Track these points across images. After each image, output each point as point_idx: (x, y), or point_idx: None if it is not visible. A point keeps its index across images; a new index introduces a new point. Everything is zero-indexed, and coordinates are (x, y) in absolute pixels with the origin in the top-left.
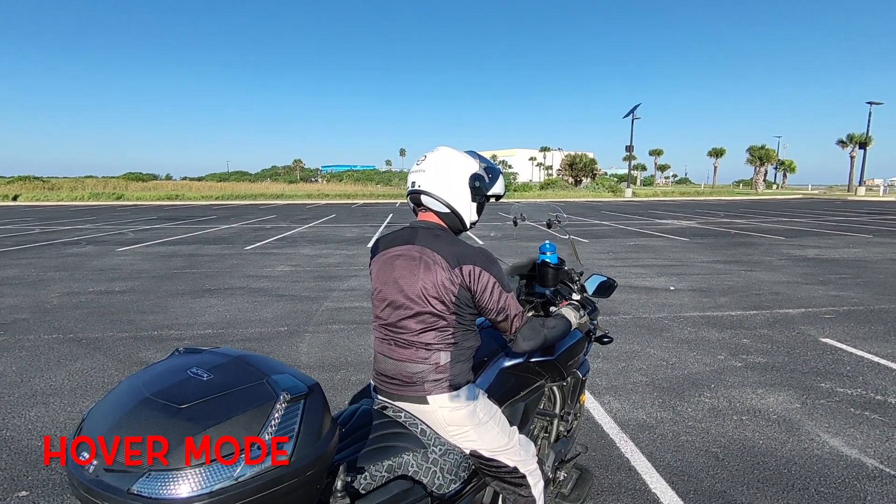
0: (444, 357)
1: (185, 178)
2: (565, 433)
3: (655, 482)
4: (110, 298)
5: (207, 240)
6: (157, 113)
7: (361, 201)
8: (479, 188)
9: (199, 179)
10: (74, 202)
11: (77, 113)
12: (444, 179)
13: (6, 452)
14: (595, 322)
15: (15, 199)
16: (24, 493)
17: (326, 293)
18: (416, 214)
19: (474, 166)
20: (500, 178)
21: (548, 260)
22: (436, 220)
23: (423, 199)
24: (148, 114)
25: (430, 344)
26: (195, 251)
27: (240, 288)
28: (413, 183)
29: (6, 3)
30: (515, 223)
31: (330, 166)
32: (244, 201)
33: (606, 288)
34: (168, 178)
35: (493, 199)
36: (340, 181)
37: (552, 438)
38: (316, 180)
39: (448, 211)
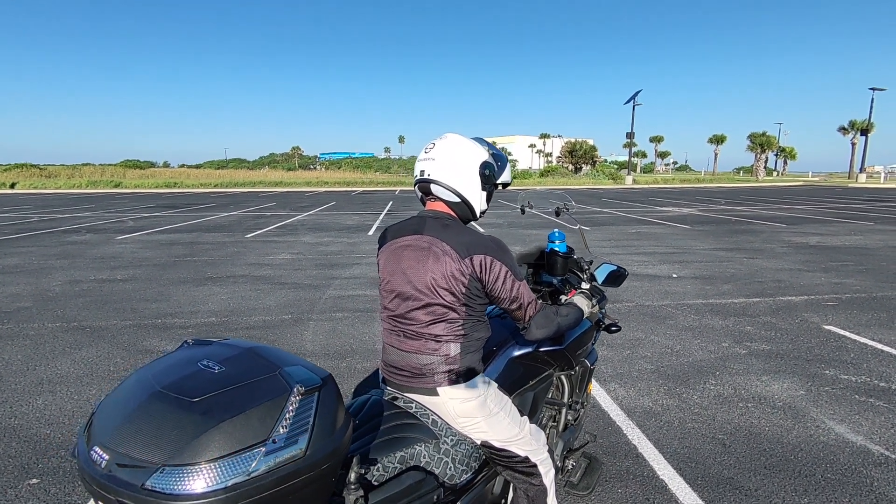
0: (453, 348)
1: (182, 166)
2: (573, 422)
3: (663, 469)
4: (112, 287)
5: (207, 228)
6: (155, 100)
7: (361, 189)
8: (489, 176)
9: (197, 167)
10: (72, 190)
11: (73, 100)
12: (454, 168)
13: (16, 440)
14: (603, 311)
15: (12, 186)
16: (35, 480)
17: (329, 281)
18: (424, 203)
19: (484, 154)
20: (508, 165)
21: (556, 248)
22: (445, 209)
23: (433, 188)
24: (145, 101)
25: (439, 335)
26: (195, 239)
27: (242, 276)
28: (422, 171)
29: None
30: (523, 211)
31: (328, 153)
32: (243, 189)
33: (617, 277)
34: (166, 165)
35: (500, 187)
36: (339, 168)
37: (560, 427)
38: (315, 168)
39: (458, 200)
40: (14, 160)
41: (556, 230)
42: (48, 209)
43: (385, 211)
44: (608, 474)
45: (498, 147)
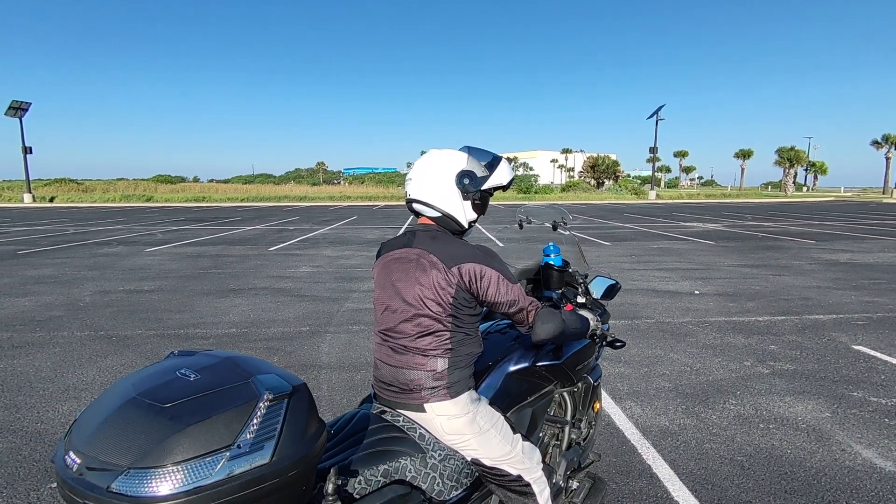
0: (441, 364)
1: (211, 181)
2: (579, 441)
3: (678, 490)
4: (139, 297)
5: (233, 241)
6: (186, 117)
7: (383, 203)
8: (468, 185)
9: (226, 181)
10: (106, 203)
11: (110, 117)
12: (430, 184)
13: (40, 444)
14: (606, 326)
15: (51, 200)
16: (55, 484)
17: (347, 294)
18: (419, 219)
19: (461, 164)
20: (501, 167)
21: (552, 262)
22: (433, 223)
23: (416, 206)
24: (177, 118)
25: (426, 350)
26: (221, 252)
27: (263, 288)
28: (407, 193)
29: (41, 9)
30: (521, 226)
31: (352, 168)
32: (268, 203)
33: (610, 290)
34: (195, 180)
35: (501, 191)
36: (362, 183)
37: (563, 446)
38: (338, 182)
39: (440, 215)
40: (54, 175)
41: (551, 244)
42: (83, 222)
43: (406, 224)
44: (621, 494)
45: (520, 162)
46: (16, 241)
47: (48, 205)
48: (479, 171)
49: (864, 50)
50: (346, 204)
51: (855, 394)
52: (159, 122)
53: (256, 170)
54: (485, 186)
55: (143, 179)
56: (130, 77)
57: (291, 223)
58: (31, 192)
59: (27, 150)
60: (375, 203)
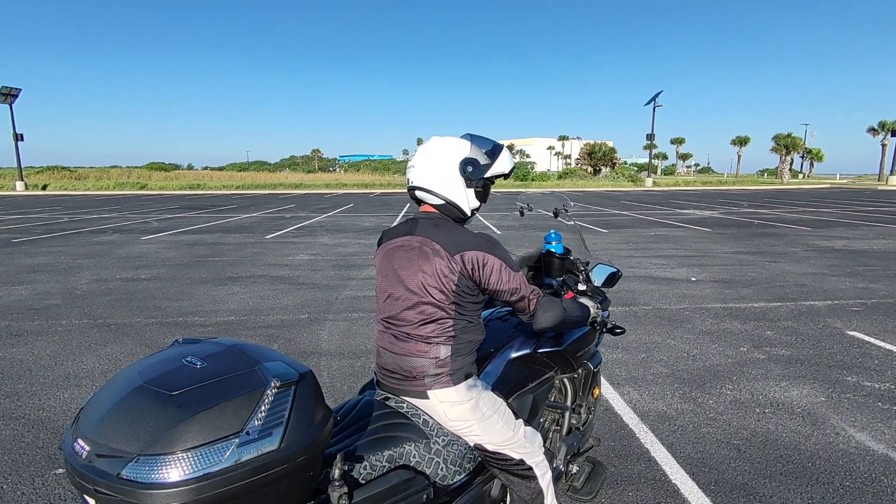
0: (444, 351)
1: (206, 168)
2: (579, 426)
3: (675, 473)
4: (137, 285)
5: (229, 229)
6: (179, 104)
7: (379, 191)
8: (471, 172)
9: (220, 169)
10: (100, 191)
11: (102, 104)
12: (434, 171)
13: (43, 432)
14: (606, 312)
15: (44, 188)
16: (60, 470)
17: (346, 282)
18: (420, 207)
19: (464, 151)
20: (503, 155)
21: (553, 249)
22: (436, 210)
23: (419, 194)
24: (170, 105)
25: (429, 337)
26: (217, 240)
27: (261, 276)
28: (409, 180)
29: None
30: (522, 213)
31: (348, 156)
32: (264, 191)
33: (611, 278)
34: (190, 167)
35: (502, 179)
36: (358, 171)
37: (563, 431)
38: (334, 170)
39: (443, 202)
40: (46, 162)
41: (552, 231)
42: (77, 210)
43: (402, 212)
44: (619, 477)
45: (517, 149)
46: (10, 229)
47: (41, 192)
48: (482, 159)
49: (862, 37)
50: (342, 192)
51: (849, 378)
52: (153, 109)
53: (251, 157)
54: (487, 174)
55: (136, 167)
56: (123, 63)
57: (288, 211)
58: (23, 180)
59: (18, 137)
60: (372, 191)
